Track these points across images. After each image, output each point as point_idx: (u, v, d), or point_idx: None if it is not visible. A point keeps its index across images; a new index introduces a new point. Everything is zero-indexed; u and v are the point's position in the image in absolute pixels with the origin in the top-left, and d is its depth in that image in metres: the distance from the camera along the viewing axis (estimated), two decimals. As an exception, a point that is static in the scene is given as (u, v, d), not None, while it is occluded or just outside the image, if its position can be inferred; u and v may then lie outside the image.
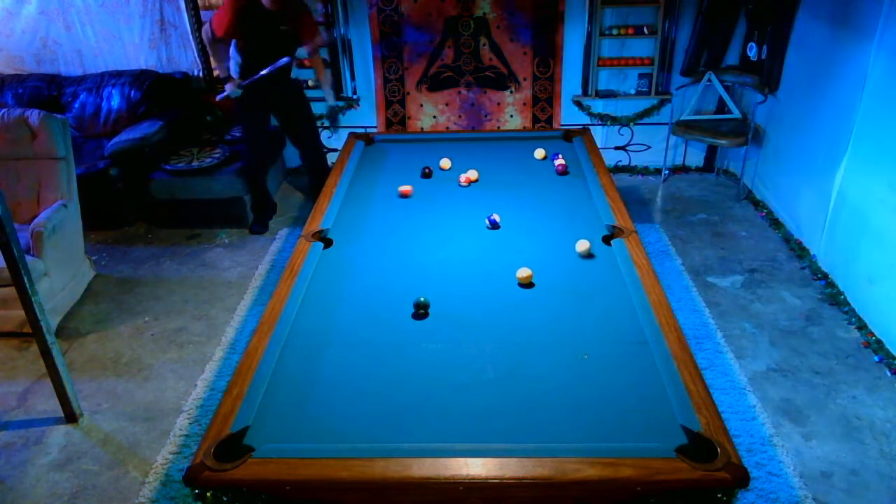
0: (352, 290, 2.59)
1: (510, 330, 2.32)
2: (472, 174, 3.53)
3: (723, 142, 4.88)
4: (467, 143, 4.10)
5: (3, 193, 2.58)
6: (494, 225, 3.00)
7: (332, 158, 5.33)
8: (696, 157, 5.50)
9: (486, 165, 3.66)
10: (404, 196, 3.36)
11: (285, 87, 4.47)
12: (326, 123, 5.39)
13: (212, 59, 4.30)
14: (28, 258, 3.00)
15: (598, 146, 4.02)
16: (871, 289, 3.45)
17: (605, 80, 5.26)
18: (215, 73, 4.23)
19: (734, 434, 2.72)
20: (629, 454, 1.74)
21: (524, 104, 5.31)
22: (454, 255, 2.83)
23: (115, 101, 5.00)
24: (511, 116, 5.35)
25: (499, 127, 5.34)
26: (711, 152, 5.43)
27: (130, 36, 5.13)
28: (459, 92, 5.28)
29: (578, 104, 5.30)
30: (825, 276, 3.88)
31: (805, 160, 4.22)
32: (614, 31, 5.00)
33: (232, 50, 4.33)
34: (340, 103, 5.25)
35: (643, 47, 5.09)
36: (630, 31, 5.00)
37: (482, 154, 3.87)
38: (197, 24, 5.06)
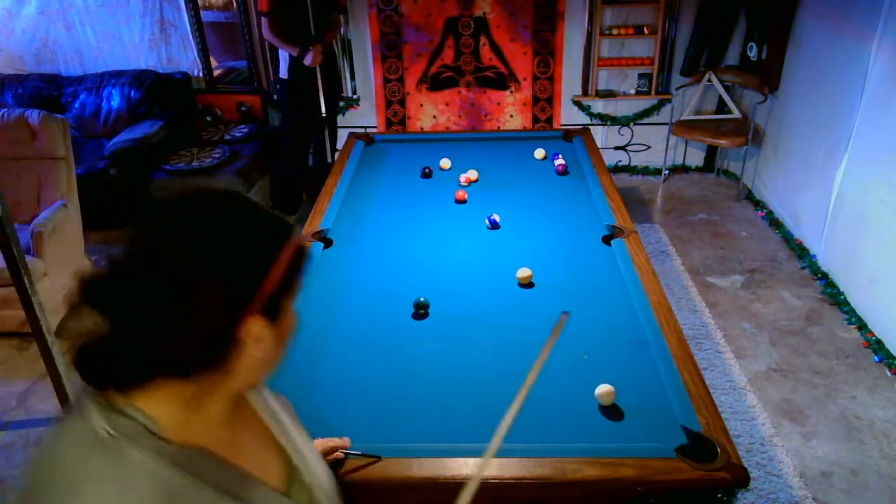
0: (352, 290, 2.59)
1: (510, 330, 2.32)
2: (472, 174, 3.52)
3: (723, 142, 4.88)
4: (467, 143, 4.10)
5: (3, 194, 2.58)
6: (494, 225, 3.00)
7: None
8: (696, 157, 5.50)
9: (486, 165, 3.65)
10: (461, 202, 3.28)
11: (330, 68, 4.53)
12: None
13: (276, 44, 4.39)
14: (28, 258, 3.00)
15: (598, 146, 4.02)
16: (871, 289, 3.45)
17: (605, 80, 5.26)
18: (294, 53, 4.32)
19: (734, 434, 2.72)
20: (629, 454, 1.74)
21: (524, 104, 5.31)
22: (454, 254, 2.83)
23: (115, 101, 5.00)
24: (511, 116, 5.35)
25: (499, 127, 5.34)
26: (711, 152, 5.43)
27: (130, 36, 5.13)
28: (459, 92, 5.28)
29: (578, 104, 5.30)
30: (825, 276, 3.88)
31: (805, 160, 4.22)
32: (614, 31, 5.00)
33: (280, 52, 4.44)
34: None
35: (643, 47, 5.09)
36: (630, 31, 5.00)
37: (482, 154, 3.87)
38: (197, 24, 5.06)
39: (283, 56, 4.41)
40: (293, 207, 4.90)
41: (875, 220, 3.45)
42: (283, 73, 4.47)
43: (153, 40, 5.16)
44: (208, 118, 5.33)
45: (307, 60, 4.26)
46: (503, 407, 1.99)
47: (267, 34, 4.35)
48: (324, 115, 4.61)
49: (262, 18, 4.31)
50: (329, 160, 4.81)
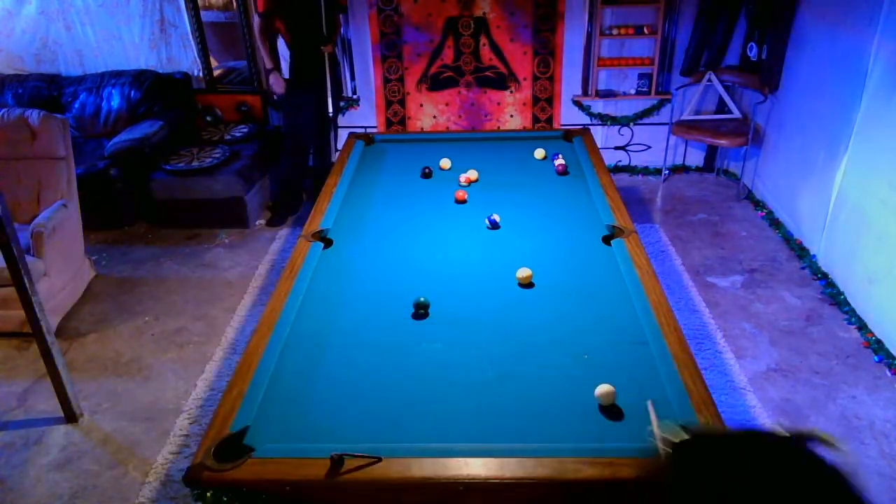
0: (352, 290, 2.59)
1: (510, 330, 2.32)
2: (472, 174, 3.52)
3: (723, 142, 4.88)
4: (467, 143, 4.10)
5: (3, 194, 2.58)
6: (494, 225, 3.00)
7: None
8: (696, 157, 5.50)
9: (486, 165, 3.66)
10: (461, 202, 3.28)
11: (331, 68, 4.60)
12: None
13: (260, 47, 4.46)
14: (28, 258, 3.00)
15: (598, 146, 4.02)
16: (871, 289, 3.45)
17: (605, 80, 5.26)
18: (267, 65, 4.45)
19: (734, 434, 2.72)
20: (629, 454, 1.74)
21: (524, 104, 5.31)
22: (454, 254, 2.83)
23: (115, 101, 5.00)
24: (511, 116, 5.35)
25: (499, 127, 5.34)
26: (711, 152, 5.43)
27: (130, 36, 5.13)
28: (459, 92, 5.28)
29: (578, 104, 5.30)
30: (825, 276, 3.88)
31: (805, 160, 4.22)
32: (614, 31, 5.00)
33: (281, 46, 4.48)
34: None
35: (643, 47, 5.09)
36: (630, 31, 5.00)
37: (482, 154, 3.87)
38: (197, 24, 5.06)
39: (285, 56, 4.42)
40: (293, 207, 4.90)
41: (875, 221, 3.45)
42: (285, 73, 4.48)
43: (153, 40, 5.16)
44: (208, 118, 5.33)
45: (271, 80, 4.34)
46: (503, 407, 1.99)
47: (257, 34, 4.39)
48: (331, 115, 4.64)
49: (257, 18, 4.33)
50: (331, 160, 4.83)
